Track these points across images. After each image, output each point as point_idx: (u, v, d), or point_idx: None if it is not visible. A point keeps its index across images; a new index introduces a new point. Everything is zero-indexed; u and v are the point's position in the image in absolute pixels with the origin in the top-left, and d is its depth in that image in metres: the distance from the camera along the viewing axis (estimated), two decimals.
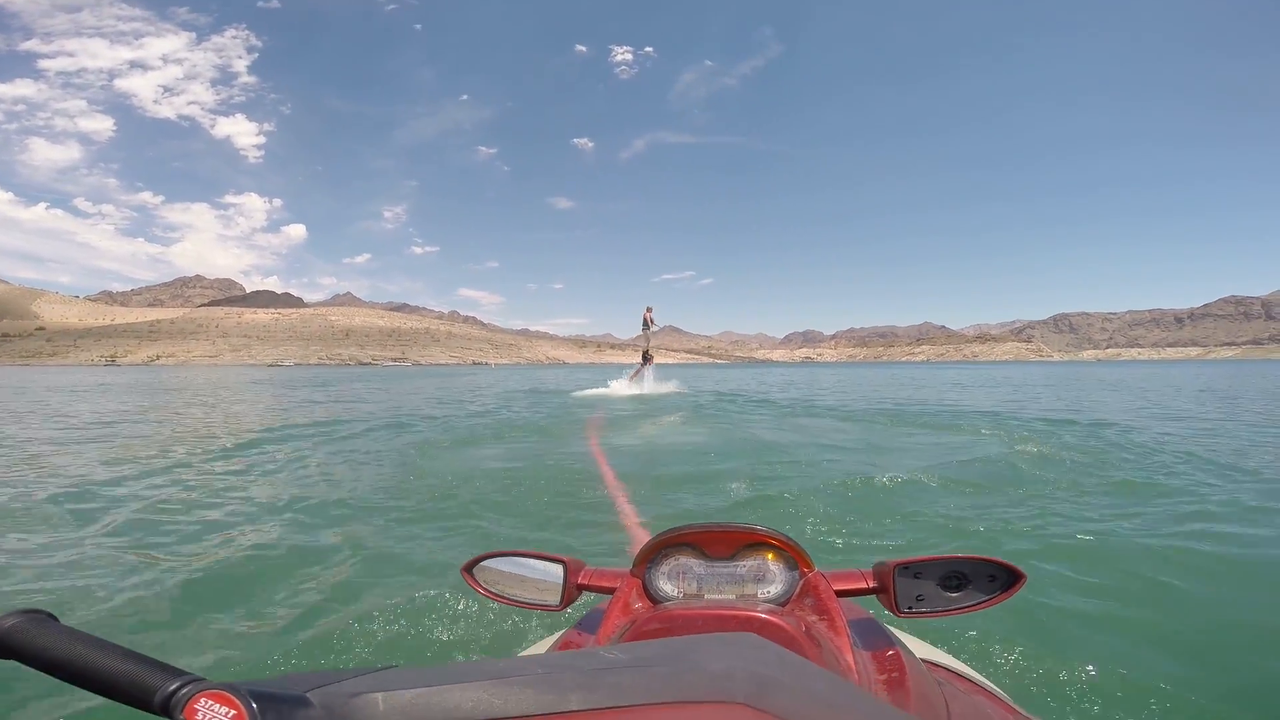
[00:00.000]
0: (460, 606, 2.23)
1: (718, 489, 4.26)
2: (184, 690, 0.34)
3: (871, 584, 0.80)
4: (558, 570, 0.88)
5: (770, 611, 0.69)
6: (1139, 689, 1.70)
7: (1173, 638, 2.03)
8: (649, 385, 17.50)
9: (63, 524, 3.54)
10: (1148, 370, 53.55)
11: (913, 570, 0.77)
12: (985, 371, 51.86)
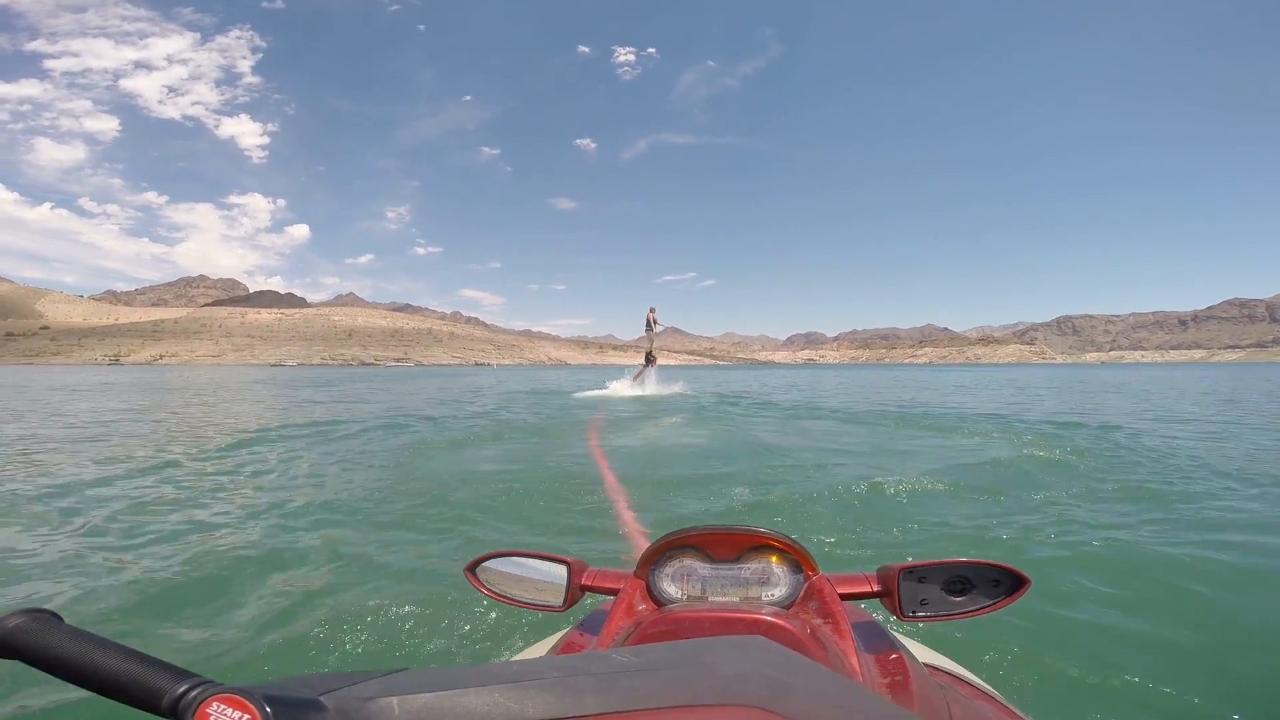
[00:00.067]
0: (448, 611, 2.19)
1: (720, 492, 4.22)
2: (193, 693, 0.34)
3: (875, 587, 0.80)
4: (561, 571, 0.88)
5: (776, 614, 0.70)
6: (1150, 697, 1.67)
7: (1188, 647, 1.98)
8: (652, 387, 17.36)
9: (42, 522, 3.49)
10: (1151, 373, 53.35)
11: (917, 574, 0.77)
12: (988, 374, 51.71)
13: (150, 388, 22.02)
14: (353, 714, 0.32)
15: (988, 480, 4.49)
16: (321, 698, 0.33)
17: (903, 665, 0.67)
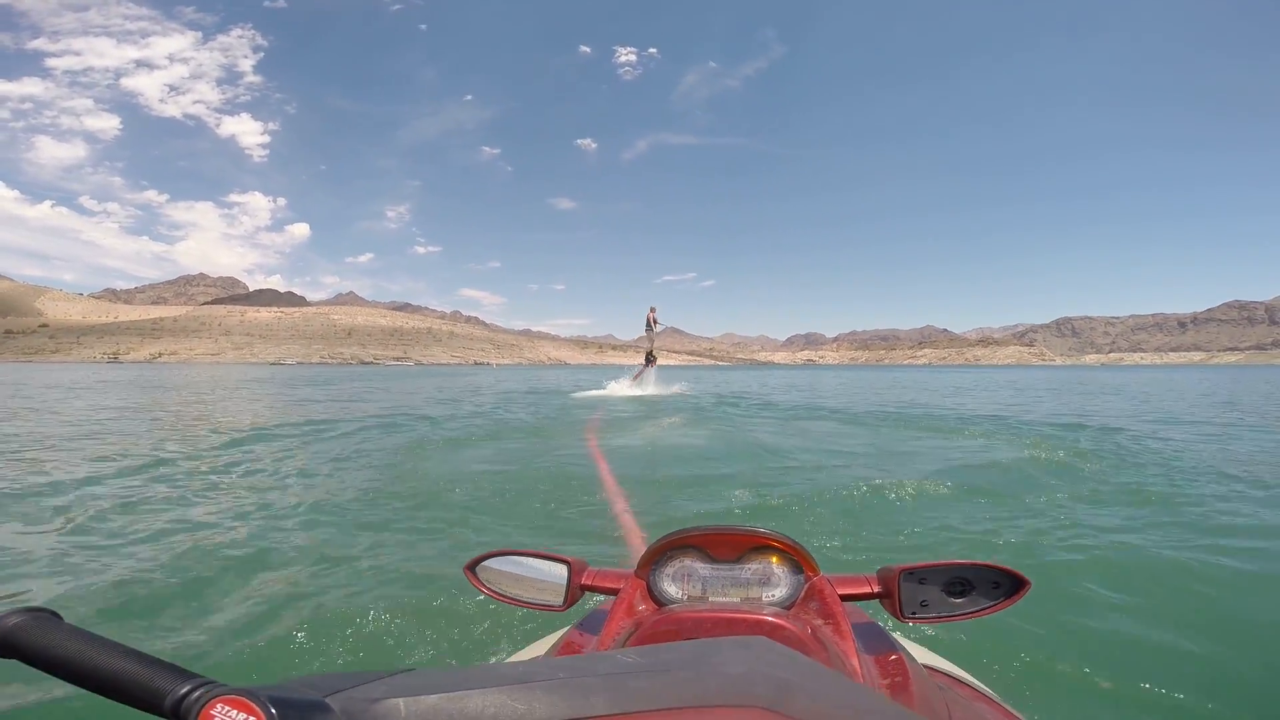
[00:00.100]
0: (439, 612, 2.17)
1: (720, 494, 4.18)
2: (196, 694, 0.33)
3: (876, 589, 0.80)
4: (561, 570, 0.87)
5: (778, 615, 0.70)
6: (1154, 702, 1.66)
7: (1195, 653, 1.95)
8: (651, 387, 17.25)
9: (28, 520, 3.46)
10: (1150, 375, 53.40)
11: (918, 576, 0.77)
12: (988, 375, 51.69)
13: (147, 386, 21.93)
14: (359, 716, 0.32)
15: (990, 482, 4.45)
16: (327, 699, 0.32)
17: (903, 666, 0.67)
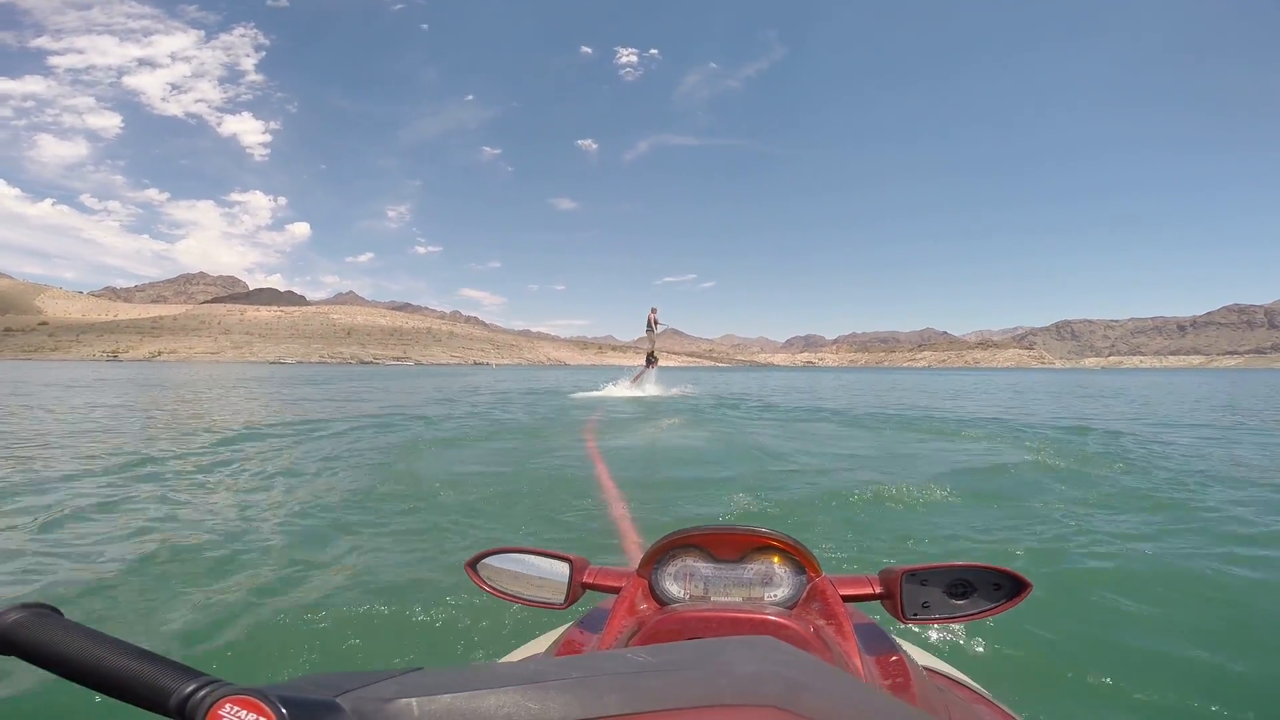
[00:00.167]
0: (429, 613, 2.14)
1: (721, 497, 4.12)
2: (203, 693, 0.32)
3: (878, 590, 0.80)
4: (563, 568, 0.87)
5: (782, 615, 0.70)
6: (1159, 707, 1.65)
7: (1203, 663, 1.90)
8: (652, 388, 17.13)
9: (8, 517, 3.40)
10: (1150, 378, 53.48)
11: (919, 577, 0.78)
12: (988, 378, 51.67)
13: (144, 384, 21.85)
14: (371, 716, 0.31)
15: (995, 487, 4.40)
16: (338, 699, 0.32)
17: (904, 667, 0.67)
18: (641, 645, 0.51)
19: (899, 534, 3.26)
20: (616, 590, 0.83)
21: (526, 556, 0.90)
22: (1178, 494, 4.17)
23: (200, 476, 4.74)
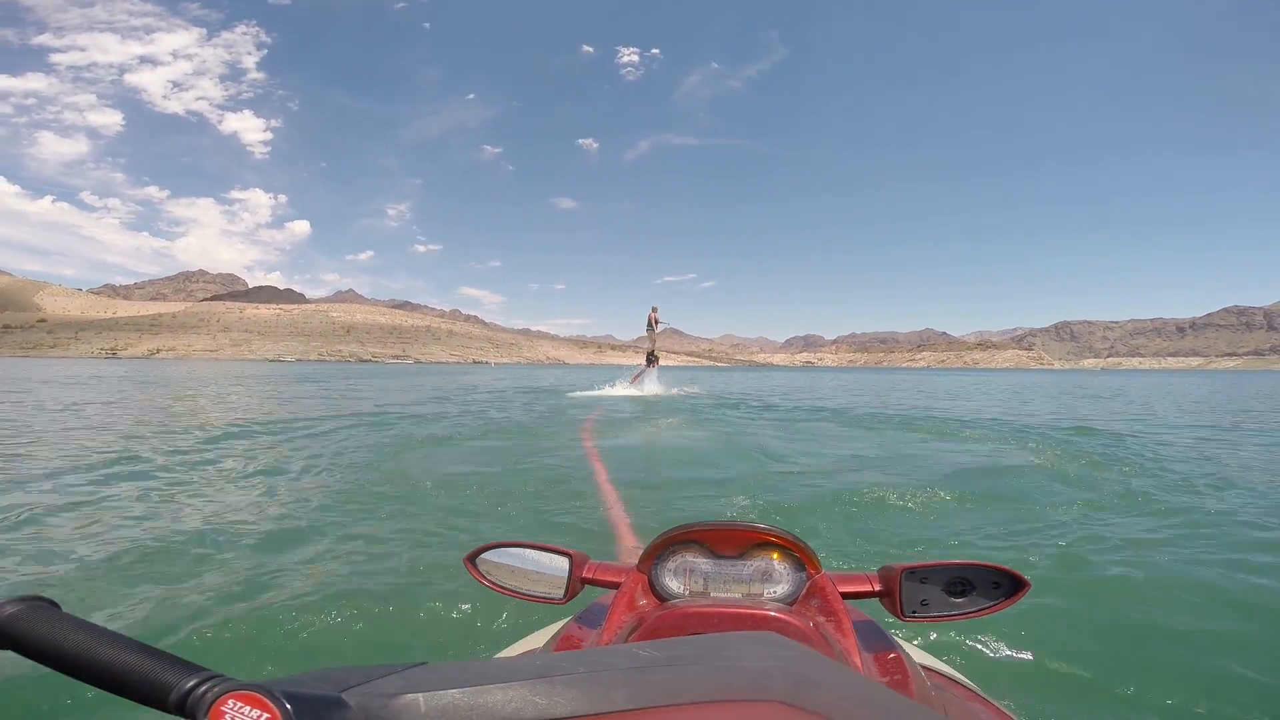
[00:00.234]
0: (422, 613, 2.12)
1: (720, 499, 4.09)
2: (204, 688, 0.32)
3: (877, 587, 0.80)
4: (562, 563, 0.87)
5: (782, 610, 0.70)
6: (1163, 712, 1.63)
7: (1215, 668, 1.86)
8: (651, 388, 17.03)
9: None
10: (1149, 380, 53.48)
11: (919, 575, 0.78)
12: (987, 378, 51.75)
13: (141, 381, 21.78)
14: (377, 712, 0.31)
15: (995, 487, 4.37)
16: (343, 695, 0.31)
17: (902, 665, 0.67)
18: (649, 640, 0.49)
19: (900, 535, 3.24)
20: (616, 585, 0.83)
21: (526, 551, 0.89)
22: (1186, 497, 4.13)
23: (187, 473, 4.69)
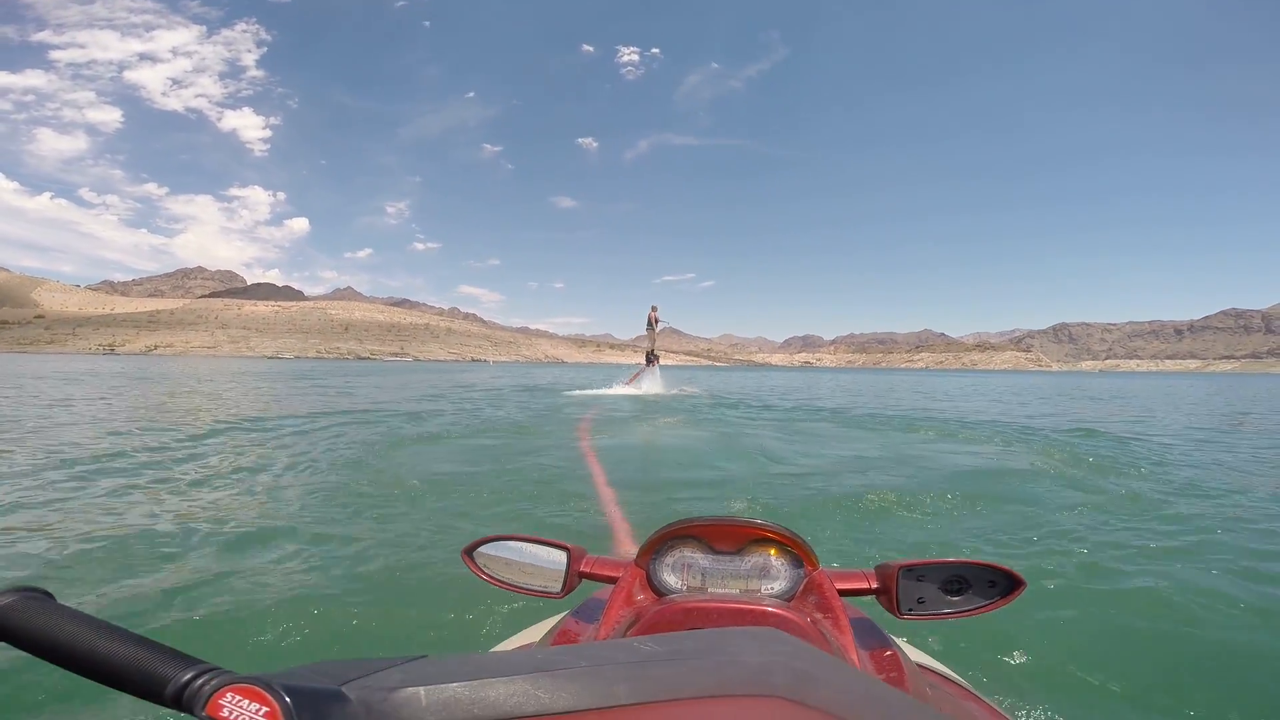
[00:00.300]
0: (415, 614, 2.09)
1: (719, 499, 4.07)
2: (201, 681, 0.31)
3: (874, 585, 0.80)
4: (560, 557, 0.86)
5: (779, 606, 0.70)
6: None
7: (1220, 673, 1.86)
8: (650, 387, 16.87)
9: None
10: (1148, 382, 53.63)
11: (916, 573, 0.78)
12: (985, 379, 51.79)
13: (137, 377, 21.65)
14: (377, 705, 0.30)
15: (997, 488, 4.35)
16: (343, 688, 0.31)
17: (897, 663, 0.67)
18: (648, 635, 0.48)
19: (902, 538, 3.23)
20: (614, 580, 0.82)
21: (524, 545, 0.89)
22: (1196, 501, 4.09)
23: (171, 469, 4.63)
